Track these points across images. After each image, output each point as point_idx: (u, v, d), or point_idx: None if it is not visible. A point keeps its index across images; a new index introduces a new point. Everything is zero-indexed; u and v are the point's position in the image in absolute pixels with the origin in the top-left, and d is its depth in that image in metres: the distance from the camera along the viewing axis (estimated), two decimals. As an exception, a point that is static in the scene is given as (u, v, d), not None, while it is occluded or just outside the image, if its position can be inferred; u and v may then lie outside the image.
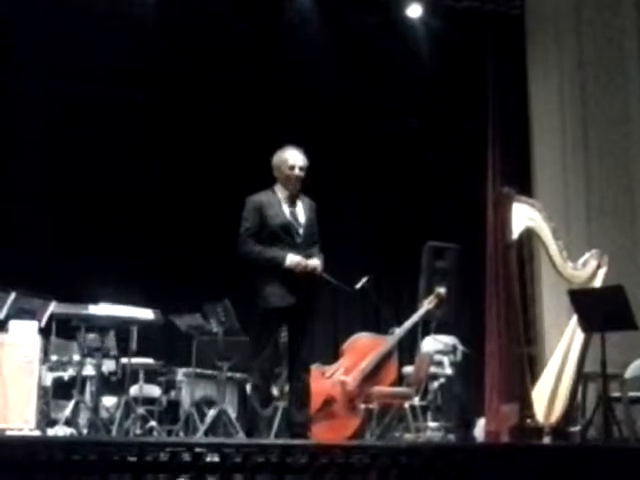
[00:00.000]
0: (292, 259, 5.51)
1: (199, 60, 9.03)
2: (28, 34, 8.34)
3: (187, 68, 9.18)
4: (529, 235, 6.27)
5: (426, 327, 7.64)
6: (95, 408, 7.17)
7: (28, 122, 8.95)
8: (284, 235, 5.58)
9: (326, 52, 8.76)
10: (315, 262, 5.58)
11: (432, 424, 7.33)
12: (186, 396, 7.83)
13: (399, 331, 6.96)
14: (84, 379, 7.42)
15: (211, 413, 7.29)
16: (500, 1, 8.58)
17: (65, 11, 8.25)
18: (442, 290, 7.16)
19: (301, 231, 5.64)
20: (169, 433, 7.57)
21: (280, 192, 5.69)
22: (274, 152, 5.84)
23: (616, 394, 6.13)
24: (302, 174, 5.67)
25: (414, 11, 8.68)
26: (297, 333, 5.66)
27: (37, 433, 6.48)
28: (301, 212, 5.69)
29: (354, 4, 8.69)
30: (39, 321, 6.88)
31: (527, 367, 6.09)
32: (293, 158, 5.67)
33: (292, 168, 5.64)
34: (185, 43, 8.79)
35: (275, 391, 7.00)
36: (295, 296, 5.54)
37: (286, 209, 5.65)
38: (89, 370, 7.50)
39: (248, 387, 8.05)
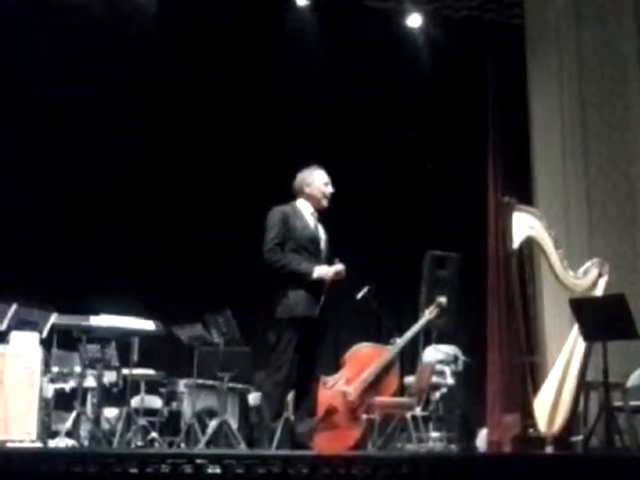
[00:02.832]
0: (320, 270, 5.67)
1: (200, 69, 9.05)
2: (29, 43, 8.37)
3: (188, 77, 9.21)
4: (530, 244, 6.26)
5: (427, 337, 7.64)
6: (96, 419, 7.16)
7: (28, 131, 8.97)
8: (311, 246, 5.77)
9: (326, 61, 8.77)
10: (340, 265, 5.73)
11: (434, 434, 7.31)
12: (187, 407, 7.83)
13: (400, 341, 6.93)
14: (85, 390, 7.41)
15: (212, 424, 7.28)
16: (500, 10, 8.58)
17: (66, 19, 8.28)
18: (443, 299, 7.13)
19: (322, 244, 5.85)
20: (170, 444, 7.55)
21: (304, 207, 5.89)
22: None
23: (618, 403, 6.12)
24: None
25: (414, 21, 8.69)
26: (314, 345, 5.77)
27: (38, 445, 6.48)
28: (322, 230, 5.91)
29: (354, 14, 8.70)
30: (40, 332, 6.89)
31: (529, 376, 6.07)
32: (325, 175, 5.95)
33: (327, 184, 5.93)
34: (186, 52, 8.81)
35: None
36: (319, 307, 5.68)
37: (312, 222, 5.85)
38: (90, 381, 7.49)
39: (250, 397, 8.06)
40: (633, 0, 7.87)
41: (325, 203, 5.93)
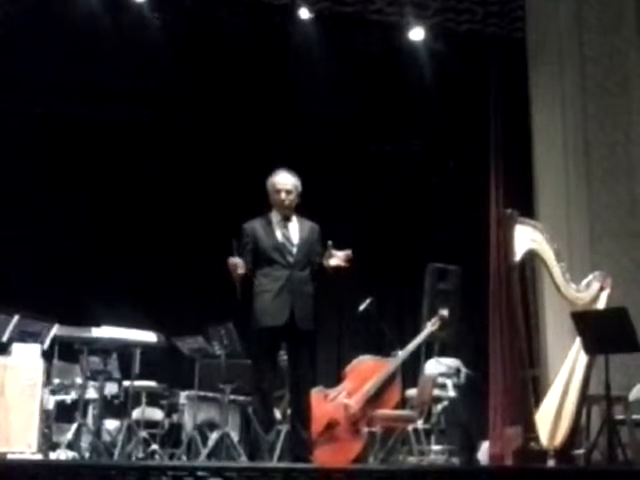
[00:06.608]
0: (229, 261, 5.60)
1: (204, 83, 9.07)
2: (33, 54, 8.39)
3: (192, 91, 9.22)
4: (532, 257, 6.26)
5: (429, 349, 7.63)
6: (97, 431, 7.15)
7: (29, 144, 8.98)
8: (277, 256, 5.70)
9: (329, 74, 8.81)
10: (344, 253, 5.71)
11: (435, 447, 7.29)
12: (188, 419, 7.80)
13: (402, 353, 6.94)
14: (86, 402, 7.40)
15: (213, 436, 7.27)
16: (502, 24, 8.61)
17: (71, 31, 8.32)
18: (445, 312, 7.14)
19: (294, 251, 5.74)
20: (171, 457, 7.54)
21: (274, 216, 5.84)
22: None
23: (620, 417, 6.11)
24: (288, 197, 5.79)
25: (416, 34, 8.72)
26: (293, 353, 5.70)
27: (39, 457, 6.46)
28: (295, 233, 5.80)
29: (357, 27, 8.73)
30: (42, 344, 6.88)
31: (531, 389, 6.07)
32: (279, 181, 5.82)
33: (278, 192, 5.80)
34: (190, 65, 8.84)
35: (277, 414, 6.98)
36: (287, 315, 5.59)
37: (278, 231, 5.78)
38: (91, 393, 7.48)
39: (251, 410, 8.04)
40: (635, 13, 7.90)
41: (285, 210, 5.80)
